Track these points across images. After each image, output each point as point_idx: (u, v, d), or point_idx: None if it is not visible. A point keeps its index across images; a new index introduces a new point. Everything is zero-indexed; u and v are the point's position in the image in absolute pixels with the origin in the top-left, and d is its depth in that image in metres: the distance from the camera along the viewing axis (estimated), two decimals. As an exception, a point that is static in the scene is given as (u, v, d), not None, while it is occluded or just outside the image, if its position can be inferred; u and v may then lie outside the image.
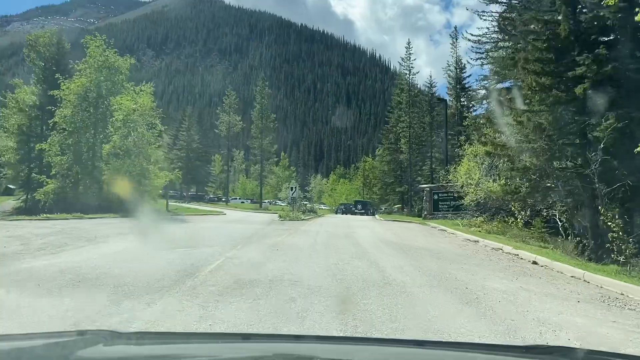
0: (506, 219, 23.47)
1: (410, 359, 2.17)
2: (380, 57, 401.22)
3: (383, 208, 57.67)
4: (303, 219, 30.39)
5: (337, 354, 2.14)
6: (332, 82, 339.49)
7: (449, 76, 47.30)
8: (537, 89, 19.33)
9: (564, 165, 18.87)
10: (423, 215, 35.72)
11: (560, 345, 2.63)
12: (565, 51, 19.18)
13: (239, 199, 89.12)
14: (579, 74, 17.84)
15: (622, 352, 4.63)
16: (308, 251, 13.12)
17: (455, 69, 45.96)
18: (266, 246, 14.02)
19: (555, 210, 21.83)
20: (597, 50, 17.18)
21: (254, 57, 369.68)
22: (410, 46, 51.06)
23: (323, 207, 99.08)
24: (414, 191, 46.67)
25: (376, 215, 45.44)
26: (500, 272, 10.61)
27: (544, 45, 18.80)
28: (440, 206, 35.03)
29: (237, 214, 37.82)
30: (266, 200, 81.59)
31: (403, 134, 49.90)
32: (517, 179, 21.52)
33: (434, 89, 49.02)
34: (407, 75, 50.03)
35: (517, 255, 14.25)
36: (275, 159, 59.18)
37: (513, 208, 22.77)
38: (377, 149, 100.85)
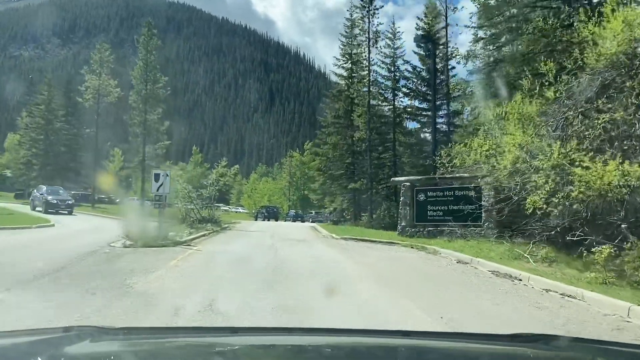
0: None
1: (397, 348, 2.10)
2: (304, 55, 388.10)
3: (326, 213, 42.82)
4: (179, 242, 14.71)
5: (327, 345, 2.09)
6: (254, 78, 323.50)
7: (417, 27, 32.80)
8: None
9: None
10: (400, 227, 21.12)
11: (545, 333, 2.12)
12: None
13: (138, 199, 72.89)
14: None
15: None
16: None
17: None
18: None
19: None
20: None
21: (170, 49, 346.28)
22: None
23: (241, 211, 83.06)
24: (375, 190, 31.80)
25: (315, 224, 30.46)
26: None
27: None
28: (431, 213, 20.55)
29: (72, 227, 21.43)
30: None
31: (360, 100, 34.73)
32: None
33: (398, 44, 34.09)
34: (369, 8, 34.64)
35: None
36: (167, 142, 41.67)
37: None
38: (306, 143, 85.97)
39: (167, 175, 14.72)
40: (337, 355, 1.99)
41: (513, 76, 21.15)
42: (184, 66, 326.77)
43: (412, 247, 15.83)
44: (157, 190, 14.63)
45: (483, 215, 18.75)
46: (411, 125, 33.79)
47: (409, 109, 32.74)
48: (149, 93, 39.30)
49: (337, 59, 35.59)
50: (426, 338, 2.56)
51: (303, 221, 59.93)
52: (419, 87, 32.29)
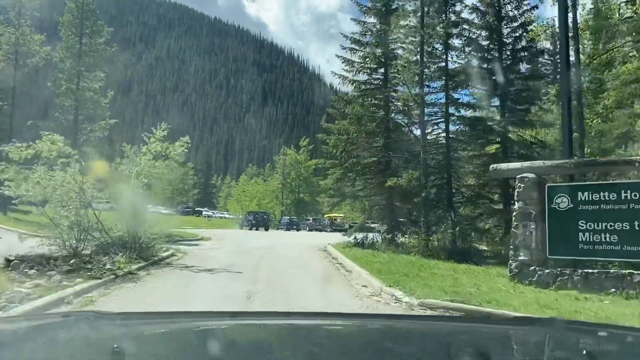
0: None
1: (396, 331, 2.08)
2: (298, 56, 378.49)
3: (325, 220, 31.68)
4: None
5: (326, 328, 2.10)
6: (247, 78, 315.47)
7: None
8: None
9: None
10: (515, 265, 10.18)
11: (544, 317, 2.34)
12: None
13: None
14: None
15: None
16: None
17: None
18: None
19: None
20: None
21: (160, 48, 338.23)
22: None
23: (227, 216, 72.45)
24: (437, 186, 19.38)
25: (315, 234, 19.42)
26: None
27: None
28: (588, 237, 9.63)
29: None
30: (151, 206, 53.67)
31: (409, 33, 19.63)
32: None
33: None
34: None
35: None
36: (112, 121, 29.45)
37: None
38: (302, 139, 75.14)
39: None
40: (332, 335, 1.99)
41: None
42: (174, 65, 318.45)
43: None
44: None
45: None
46: (466, 96, 22.50)
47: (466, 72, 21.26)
48: (87, 50, 27.68)
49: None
50: (426, 320, 2.60)
51: (298, 229, 50.93)
52: (479, 40, 21.32)
